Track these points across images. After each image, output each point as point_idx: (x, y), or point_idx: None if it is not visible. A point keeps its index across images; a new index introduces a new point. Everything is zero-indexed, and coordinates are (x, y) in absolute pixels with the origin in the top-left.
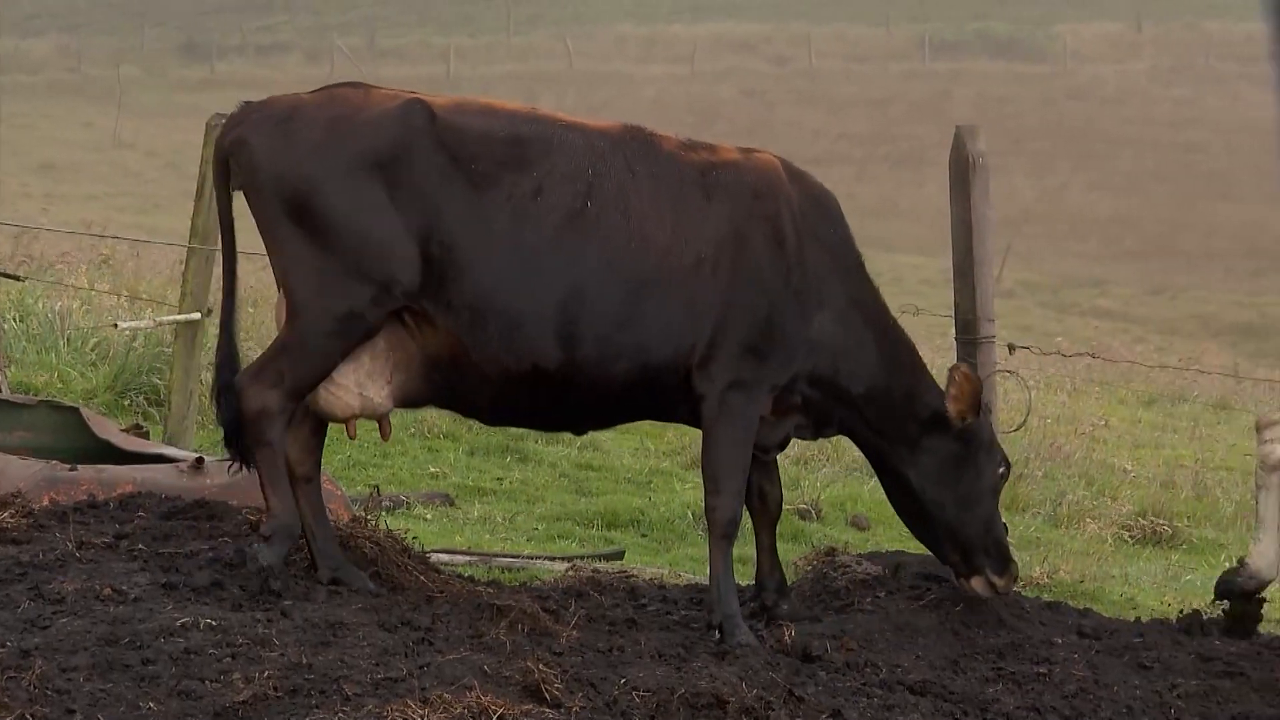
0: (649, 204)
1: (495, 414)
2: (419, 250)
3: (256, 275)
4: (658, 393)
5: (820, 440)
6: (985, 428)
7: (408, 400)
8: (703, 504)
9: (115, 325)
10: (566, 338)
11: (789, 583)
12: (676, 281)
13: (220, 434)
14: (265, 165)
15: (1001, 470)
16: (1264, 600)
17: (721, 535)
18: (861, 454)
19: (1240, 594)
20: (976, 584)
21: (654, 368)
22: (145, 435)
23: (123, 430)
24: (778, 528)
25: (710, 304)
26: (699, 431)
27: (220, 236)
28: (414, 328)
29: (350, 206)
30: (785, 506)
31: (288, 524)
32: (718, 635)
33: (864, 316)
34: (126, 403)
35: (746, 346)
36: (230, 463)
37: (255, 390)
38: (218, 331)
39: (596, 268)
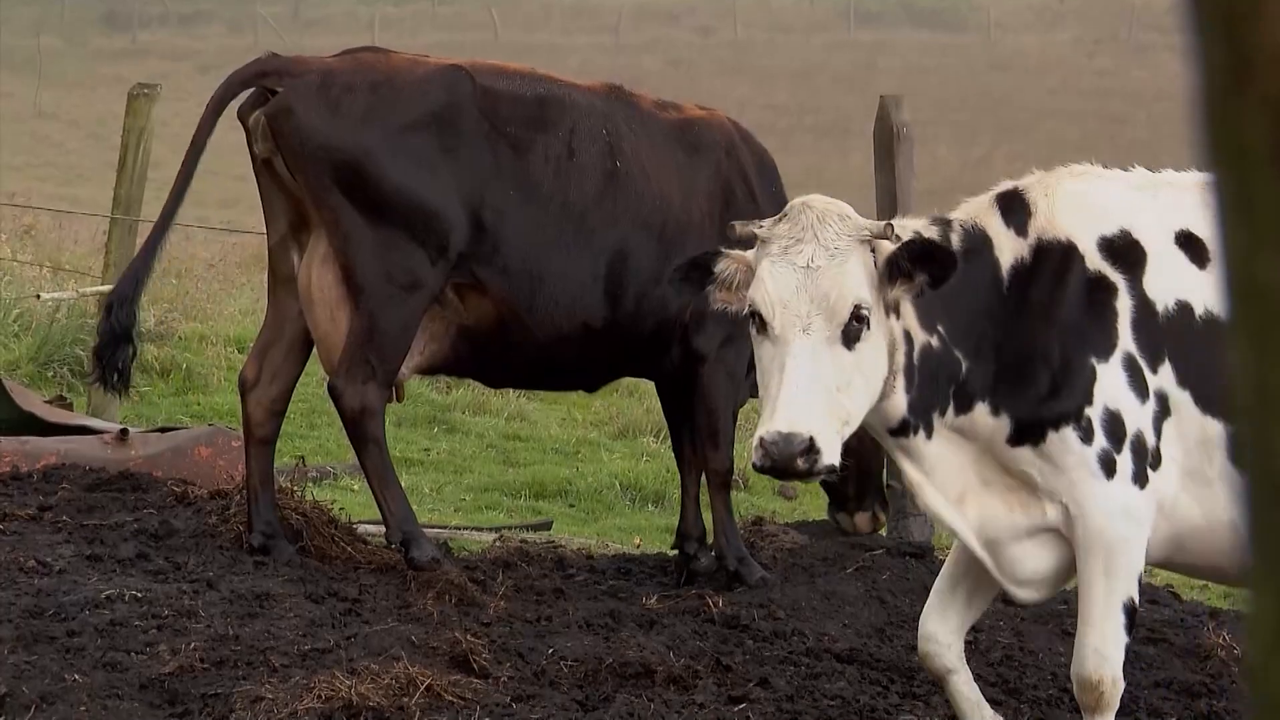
0: (658, 162)
1: (517, 377)
2: (469, 215)
3: (180, 246)
4: (660, 348)
5: (747, 409)
6: None
7: (430, 369)
8: (701, 457)
9: (38, 296)
10: (614, 295)
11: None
12: (688, 236)
13: (135, 407)
14: (315, 135)
15: None
16: None
17: (722, 484)
18: None
19: None
20: (862, 521)
21: (667, 322)
22: (69, 407)
23: (46, 402)
24: (705, 495)
25: None
26: (625, 401)
27: (180, 171)
28: (455, 301)
29: (403, 173)
30: None
31: (409, 516)
32: (736, 579)
33: None
34: (50, 374)
35: None
36: (94, 377)
37: (352, 389)
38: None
39: (634, 226)
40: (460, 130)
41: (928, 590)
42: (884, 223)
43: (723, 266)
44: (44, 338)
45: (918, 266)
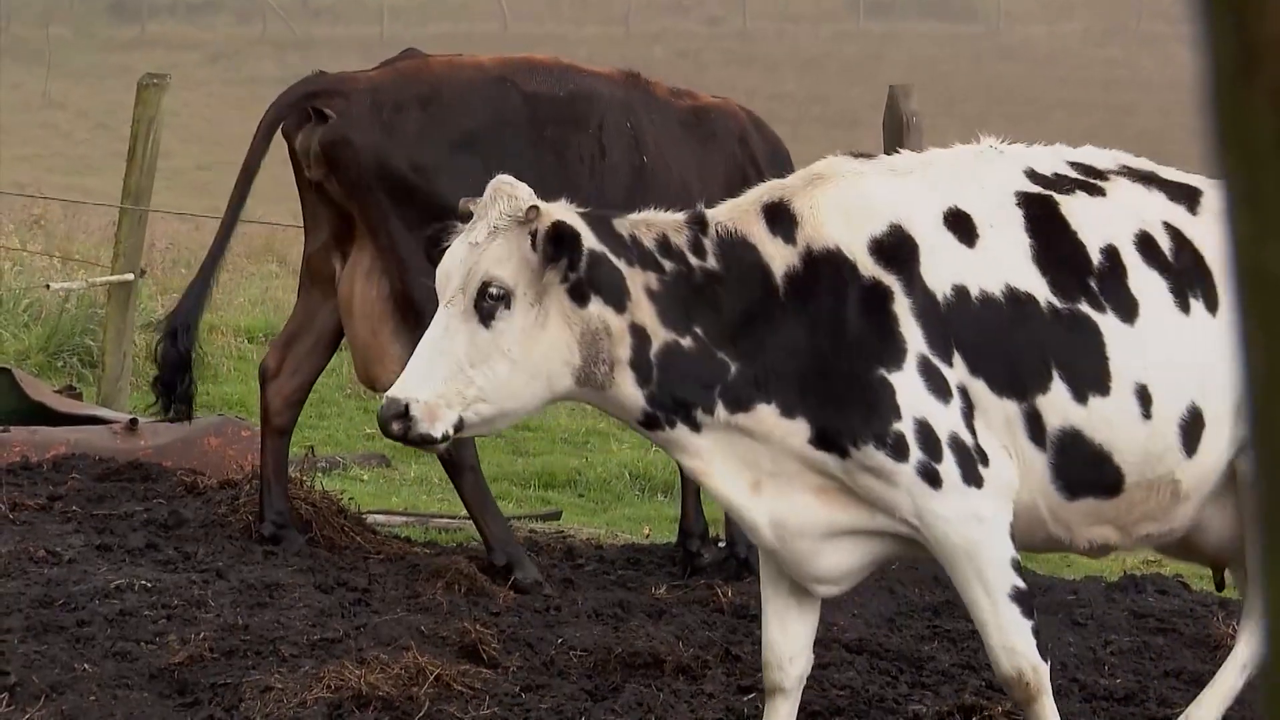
0: (677, 152)
1: None
2: None
3: (190, 236)
4: None
5: None
6: None
7: None
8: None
9: (47, 286)
10: None
11: (718, 541)
12: None
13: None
14: (372, 163)
15: None
16: None
17: None
18: None
19: None
20: None
21: None
22: (78, 396)
23: (56, 391)
24: None
25: None
26: None
27: (233, 196)
28: None
29: (459, 188)
30: None
31: (509, 539)
32: (745, 568)
33: None
34: (59, 364)
35: None
36: (161, 406)
37: None
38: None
39: None
40: (509, 140)
41: (938, 581)
42: (529, 205)
43: None
44: (53, 328)
45: (558, 249)
